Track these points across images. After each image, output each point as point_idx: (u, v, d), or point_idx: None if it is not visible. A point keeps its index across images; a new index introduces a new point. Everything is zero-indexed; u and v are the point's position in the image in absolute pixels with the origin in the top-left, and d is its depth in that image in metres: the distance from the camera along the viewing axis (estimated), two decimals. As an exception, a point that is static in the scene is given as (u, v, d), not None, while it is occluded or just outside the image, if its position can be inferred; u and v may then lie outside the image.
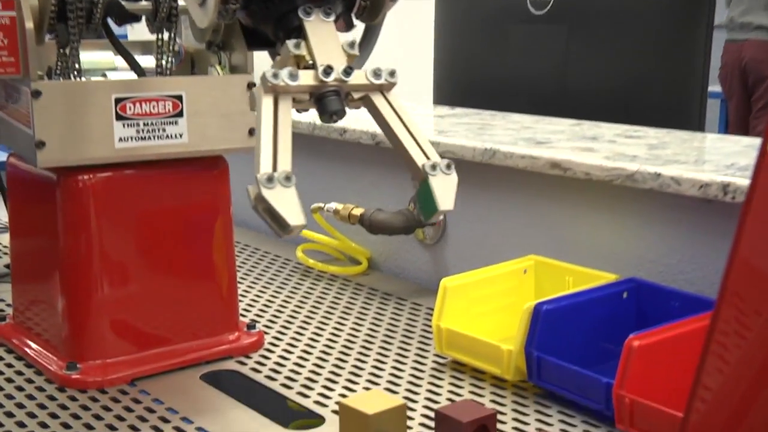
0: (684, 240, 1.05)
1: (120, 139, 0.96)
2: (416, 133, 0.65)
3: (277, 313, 1.18)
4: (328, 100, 0.63)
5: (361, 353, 1.05)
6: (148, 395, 0.94)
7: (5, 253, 1.43)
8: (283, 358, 1.04)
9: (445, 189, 0.64)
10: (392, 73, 0.64)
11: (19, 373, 0.99)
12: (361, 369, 1.01)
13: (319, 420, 0.89)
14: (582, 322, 0.97)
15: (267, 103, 0.61)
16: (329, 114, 0.63)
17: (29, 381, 0.97)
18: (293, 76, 0.61)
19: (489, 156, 1.19)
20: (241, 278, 1.31)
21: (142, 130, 0.97)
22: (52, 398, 0.93)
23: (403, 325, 1.15)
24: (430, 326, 1.13)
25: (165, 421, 0.88)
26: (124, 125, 0.96)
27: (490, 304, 1.06)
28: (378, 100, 0.64)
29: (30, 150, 0.94)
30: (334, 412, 0.90)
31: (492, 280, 1.07)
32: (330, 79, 0.62)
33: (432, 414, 0.88)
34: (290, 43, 0.62)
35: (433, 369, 1.01)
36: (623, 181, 1.06)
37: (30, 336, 1.04)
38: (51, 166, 0.95)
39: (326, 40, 0.63)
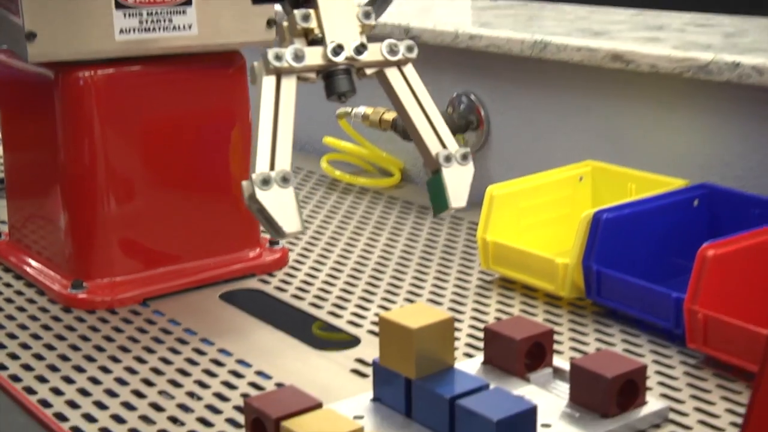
0: (766, 139, 1.02)
1: (121, 31, 0.95)
2: (433, 117, 0.65)
3: (302, 229, 1.18)
4: (337, 79, 0.62)
5: (397, 271, 1.05)
6: (163, 316, 0.94)
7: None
8: (310, 276, 1.04)
9: (458, 183, 0.65)
10: (410, 48, 0.63)
11: (19, 293, 1.00)
12: (397, 287, 1.01)
13: (354, 340, 0.89)
14: (647, 232, 0.95)
15: (268, 84, 0.60)
16: (337, 95, 0.63)
17: (31, 301, 0.97)
18: (298, 57, 0.60)
19: (539, 49, 1.16)
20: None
21: (146, 21, 0.96)
22: (57, 319, 0.93)
23: (443, 240, 1.14)
24: (473, 241, 1.12)
25: (183, 342, 0.88)
26: (125, 15, 0.95)
27: (541, 215, 1.05)
28: (393, 76, 0.64)
29: (20, 43, 0.93)
30: (371, 332, 0.90)
31: (544, 188, 1.06)
32: (340, 59, 0.61)
33: (480, 333, 0.88)
34: (298, 14, 0.61)
35: (479, 287, 1.00)
36: (695, 73, 1.03)
37: (29, 254, 1.05)
38: (43, 60, 0.94)
39: (339, 11, 0.62)
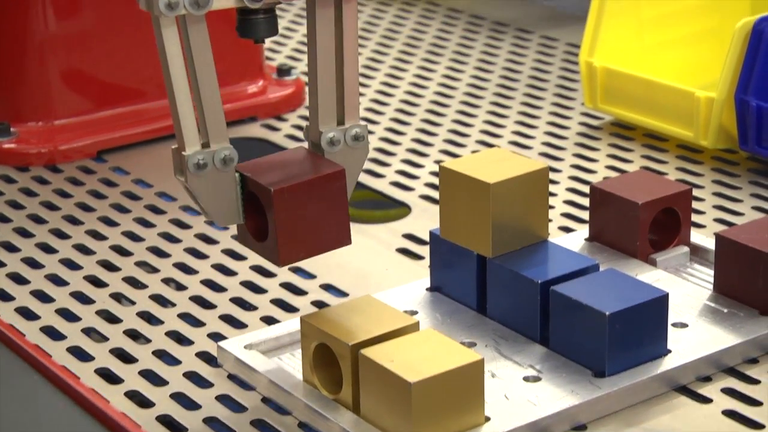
0: None
1: None
2: (348, 76, 0.68)
3: (323, 54, 1.18)
4: (254, 23, 0.66)
5: (461, 112, 1.06)
6: (127, 175, 0.96)
7: None
8: (336, 119, 1.04)
9: None
10: None
11: None
12: (462, 135, 1.01)
13: (401, 208, 0.90)
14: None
15: (170, 38, 0.63)
16: (253, 40, 0.67)
17: (-62, 154, 0.99)
18: (201, 3, 0.63)
19: None
20: (262, 2, 1.31)
21: None
22: (-24, 179, 0.96)
23: (528, 69, 1.14)
24: (572, 69, 1.12)
25: (157, 211, 0.90)
26: None
27: (675, 30, 1.05)
28: (324, 9, 0.66)
29: None
30: (425, 197, 0.91)
31: (680, -10, 1.05)
32: (259, 5, 0.64)
33: (582, 199, 0.88)
34: None
35: (581, 135, 1.01)
36: None
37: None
38: None
39: None
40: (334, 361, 0.64)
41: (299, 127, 1.03)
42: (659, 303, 0.67)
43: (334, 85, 0.68)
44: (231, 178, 0.66)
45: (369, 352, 0.62)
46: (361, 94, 1.09)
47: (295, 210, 0.64)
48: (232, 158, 0.66)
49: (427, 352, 0.62)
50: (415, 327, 0.65)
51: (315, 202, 0.65)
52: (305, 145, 0.70)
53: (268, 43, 1.20)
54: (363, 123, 0.69)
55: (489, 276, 0.72)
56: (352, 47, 0.68)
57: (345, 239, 0.67)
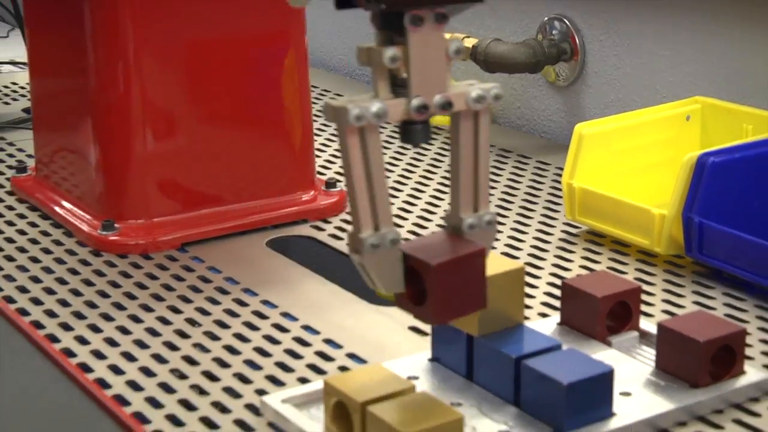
0: None
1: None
2: (481, 175, 0.69)
3: (363, 171, 1.20)
4: (415, 131, 0.66)
5: (469, 220, 1.07)
6: (203, 263, 0.98)
7: (23, 95, 1.49)
8: (369, 223, 1.06)
9: None
10: (497, 97, 0.67)
11: (45, 233, 1.05)
12: (468, 238, 1.03)
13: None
14: (762, 180, 0.95)
15: (353, 144, 0.65)
16: (413, 145, 0.68)
17: (57, 243, 1.03)
18: (380, 117, 0.64)
19: (645, -35, 1.16)
20: (318, 130, 1.34)
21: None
22: (85, 263, 0.98)
23: (525, 188, 1.16)
24: (558, 189, 1.14)
25: (223, 292, 0.92)
26: None
27: (639, 160, 1.06)
28: (465, 122, 0.67)
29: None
30: (433, 287, 0.93)
31: (643, 128, 1.07)
32: (422, 117, 0.66)
33: (559, 292, 0.90)
34: (387, 55, 0.64)
35: (562, 240, 1.02)
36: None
37: (56, 191, 1.10)
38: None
39: (430, 59, 0.65)
40: (349, 415, 0.66)
41: (341, 229, 1.06)
42: (607, 376, 0.69)
43: (471, 181, 0.69)
44: (397, 255, 0.66)
45: (374, 408, 0.64)
46: (392, 200, 1.11)
47: (447, 280, 0.65)
48: (398, 239, 0.66)
49: (420, 409, 0.64)
50: (412, 390, 0.67)
51: (462, 274, 0.66)
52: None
53: (320, 161, 1.23)
54: (492, 211, 0.70)
55: (475, 351, 0.74)
56: (484, 150, 0.69)
57: (483, 303, 0.68)
